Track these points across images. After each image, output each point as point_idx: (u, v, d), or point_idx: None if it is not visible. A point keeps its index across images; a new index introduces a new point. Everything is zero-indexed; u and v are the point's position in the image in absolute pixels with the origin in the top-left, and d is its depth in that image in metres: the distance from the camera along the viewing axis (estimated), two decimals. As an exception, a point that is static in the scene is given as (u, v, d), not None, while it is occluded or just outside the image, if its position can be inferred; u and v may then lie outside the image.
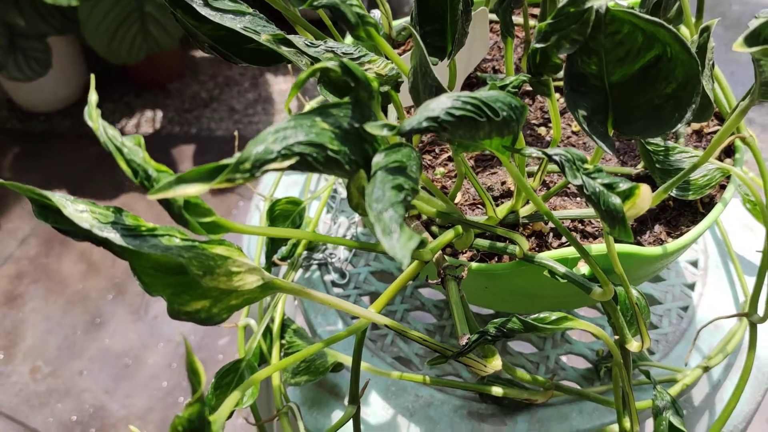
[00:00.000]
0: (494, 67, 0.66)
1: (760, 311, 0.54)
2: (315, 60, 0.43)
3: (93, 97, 0.33)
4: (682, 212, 0.54)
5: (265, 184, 0.77)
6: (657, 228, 0.54)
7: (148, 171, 0.32)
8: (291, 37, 0.42)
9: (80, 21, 1.50)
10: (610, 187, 0.36)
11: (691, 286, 0.69)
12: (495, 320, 0.42)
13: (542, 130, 0.61)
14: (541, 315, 0.44)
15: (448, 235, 0.48)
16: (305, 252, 0.71)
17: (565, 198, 0.56)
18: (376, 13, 0.64)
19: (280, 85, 1.87)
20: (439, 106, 0.33)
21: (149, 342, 1.42)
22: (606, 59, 0.40)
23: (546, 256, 0.47)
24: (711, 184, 0.52)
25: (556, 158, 0.36)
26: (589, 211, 0.52)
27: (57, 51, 1.66)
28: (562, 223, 0.53)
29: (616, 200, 0.35)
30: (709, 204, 0.54)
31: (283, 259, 0.68)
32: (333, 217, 0.75)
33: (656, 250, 0.50)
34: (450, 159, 0.60)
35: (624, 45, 0.39)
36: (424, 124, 0.32)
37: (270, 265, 0.67)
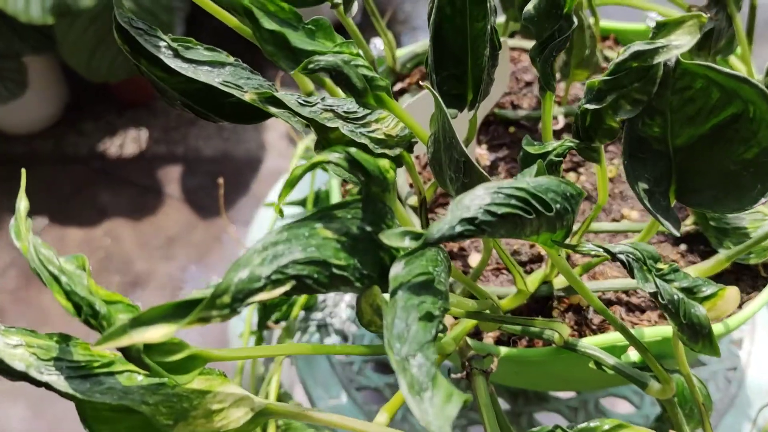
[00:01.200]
0: (513, 101, 0.58)
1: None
2: (310, 121, 0.35)
3: (22, 205, 0.25)
4: (741, 276, 0.47)
5: (254, 237, 0.69)
6: (711, 294, 0.47)
7: (94, 306, 0.25)
8: (281, 95, 0.34)
9: (57, 39, 1.42)
10: (690, 291, 0.29)
11: (739, 343, 0.61)
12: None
13: (571, 176, 0.54)
14: (592, 425, 0.36)
15: (473, 320, 0.40)
16: (302, 312, 0.63)
17: (605, 261, 0.48)
18: (378, 43, 0.56)
19: (270, 100, 1.78)
20: (475, 202, 0.25)
21: (137, 380, 1.34)
22: (672, 118, 0.32)
23: (590, 344, 0.39)
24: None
25: (622, 257, 0.28)
26: (634, 282, 0.45)
27: (34, 70, 1.57)
28: (605, 295, 0.46)
29: (701, 311, 0.28)
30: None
31: (277, 321, 0.61)
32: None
33: (716, 328, 0.42)
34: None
35: (695, 102, 0.31)
36: (459, 229, 0.24)
37: (263, 329, 0.59)
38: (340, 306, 0.64)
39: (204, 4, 0.34)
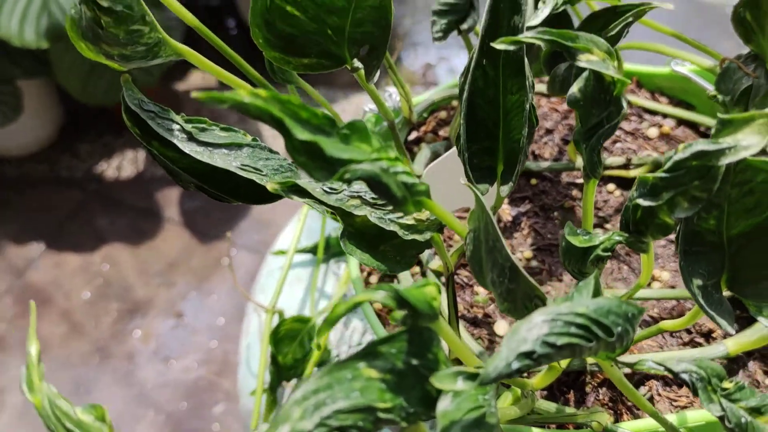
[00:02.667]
0: (534, 151, 0.56)
1: None
2: (335, 209, 0.33)
3: (33, 349, 0.23)
4: (783, 344, 0.44)
5: (262, 286, 0.67)
6: (751, 365, 0.44)
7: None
8: (305, 183, 0.31)
9: (52, 63, 1.39)
10: (758, 411, 0.26)
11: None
12: None
13: (597, 232, 0.51)
14: None
15: (507, 401, 0.38)
16: (315, 369, 0.60)
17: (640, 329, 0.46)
18: (393, 92, 0.54)
19: (269, 119, 1.76)
20: (532, 333, 0.22)
21: (138, 412, 1.31)
22: (728, 210, 0.30)
23: (631, 430, 0.37)
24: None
25: (685, 377, 0.26)
26: (676, 353, 0.42)
27: (29, 92, 1.54)
28: (644, 364, 0.43)
29: (774, 435, 0.25)
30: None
31: (289, 379, 0.58)
32: (345, 321, 0.65)
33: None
34: (490, 274, 0.49)
35: (754, 194, 0.29)
36: (516, 365, 0.22)
37: (276, 389, 0.57)
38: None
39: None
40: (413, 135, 0.57)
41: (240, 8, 1.91)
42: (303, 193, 0.31)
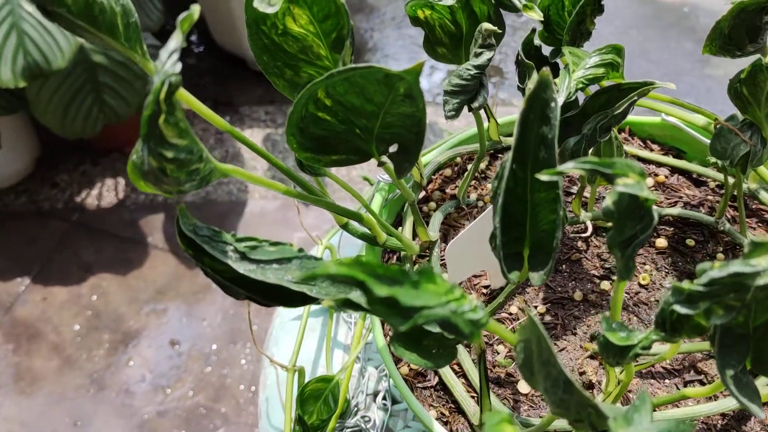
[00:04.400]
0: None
1: None
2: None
3: None
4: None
5: (275, 338, 0.68)
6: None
7: None
8: (356, 297, 0.33)
9: (29, 99, 1.38)
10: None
11: None
12: None
13: (605, 285, 0.54)
14: None
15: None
16: (338, 421, 0.62)
17: (653, 381, 0.49)
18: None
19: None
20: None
21: (138, 443, 1.31)
22: (755, 308, 0.33)
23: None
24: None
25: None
26: (696, 409, 0.45)
27: (5, 126, 1.53)
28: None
29: None
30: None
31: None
32: (361, 369, 0.67)
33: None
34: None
35: (777, 292, 0.32)
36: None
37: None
38: (372, 409, 0.63)
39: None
40: (422, 194, 0.59)
41: (209, 26, 1.91)
42: (355, 306, 0.33)
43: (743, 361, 0.34)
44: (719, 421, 0.47)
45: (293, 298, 0.36)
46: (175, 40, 0.27)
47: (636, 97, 0.44)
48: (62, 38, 1.28)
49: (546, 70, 0.34)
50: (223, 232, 0.35)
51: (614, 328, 0.34)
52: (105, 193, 1.68)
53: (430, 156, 0.59)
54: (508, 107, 1.84)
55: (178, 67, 0.27)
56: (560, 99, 0.42)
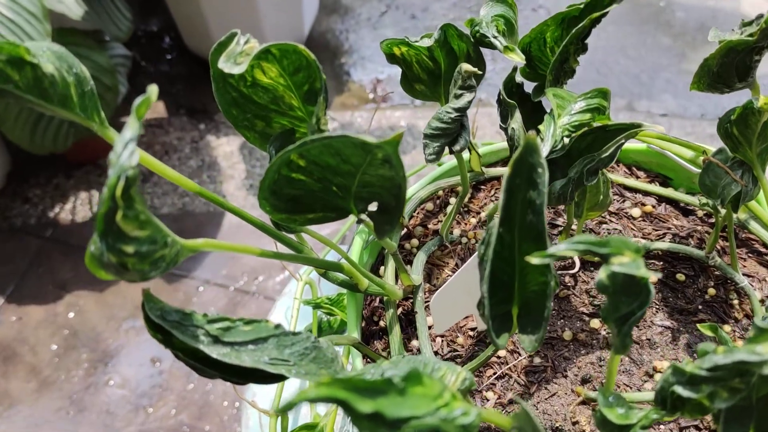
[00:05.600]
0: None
1: None
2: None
3: None
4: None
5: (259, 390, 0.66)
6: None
7: None
8: (341, 385, 0.31)
9: (-4, 117, 1.34)
10: None
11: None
12: None
13: (595, 323, 0.52)
14: None
15: None
16: (322, 466, 0.60)
17: (651, 428, 0.47)
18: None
19: (223, 147, 1.72)
20: None
21: (120, 465, 1.29)
22: (759, 383, 0.31)
23: None
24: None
25: None
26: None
27: (-28, 142, 1.48)
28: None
29: None
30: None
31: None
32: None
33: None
34: (499, 377, 0.50)
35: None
36: None
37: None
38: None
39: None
40: (404, 231, 0.57)
41: (180, 31, 1.87)
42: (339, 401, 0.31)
43: (746, 429, 0.33)
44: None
45: (272, 378, 0.34)
46: (131, 130, 0.25)
47: (623, 140, 0.43)
48: (28, 54, 1.24)
49: (532, 134, 0.32)
50: (194, 313, 0.33)
51: (611, 403, 0.32)
52: (79, 207, 1.64)
53: (411, 191, 0.57)
54: (488, 107, 1.82)
55: (135, 159, 0.25)
56: (546, 147, 0.40)
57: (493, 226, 0.34)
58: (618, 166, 0.61)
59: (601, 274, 0.31)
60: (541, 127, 0.42)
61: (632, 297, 0.30)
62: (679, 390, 0.29)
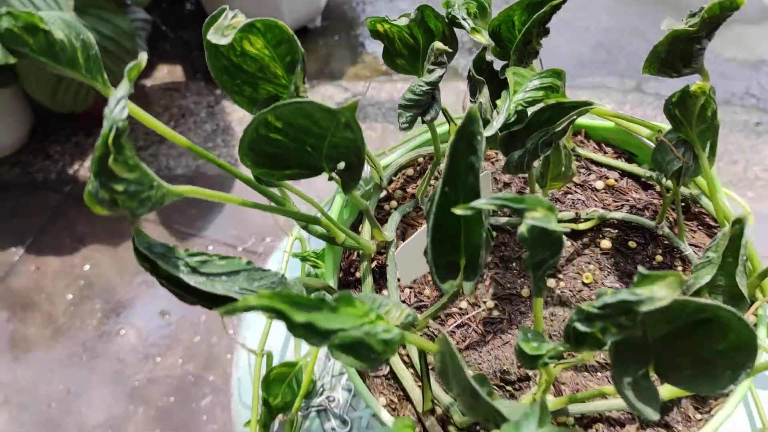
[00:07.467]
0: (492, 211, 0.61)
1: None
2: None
3: None
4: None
5: (248, 323, 0.72)
6: (684, 403, 0.51)
7: None
8: (288, 309, 0.37)
9: (20, 74, 1.40)
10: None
11: (706, 408, 0.66)
12: None
13: (551, 282, 0.57)
14: None
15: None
16: (303, 402, 0.66)
17: (586, 374, 0.52)
18: (366, 168, 0.59)
19: (237, 112, 1.78)
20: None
21: (129, 408, 1.37)
22: (651, 323, 0.36)
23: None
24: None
25: None
26: (615, 403, 0.49)
27: (-2, 99, 1.55)
28: (586, 417, 0.50)
29: None
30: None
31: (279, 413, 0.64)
32: (327, 353, 0.71)
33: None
34: (459, 326, 0.56)
35: (672, 311, 0.35)
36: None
37: (268, 427, 0.63)
38: (337, 390, 0.68)
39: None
40: (383, 194, 0.62)
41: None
42: (292, 324, 0.37)
43: (643, 369, 0.38)
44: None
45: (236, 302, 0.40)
46: (123, 89, 0.30)
47: (575, 116, 0.47)
48: (52, 15, 1.29)
49: (474, 107, 0.37)
50: (176, 248, 0.38)
51: (529, 338, 0.38)
52: (97, 165, 1.71)
53: (392, 158, 0.62)
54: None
55: (125, 113, 0.30)
56: (501, 119, 0.45)
57: (438, 184, 0.39)
58: (588, 141, 0.66)
59: (522, 228, 0.36)
60: (498, 101, 0.47)
61: (546, 247, 0.35)
62: (579, 326, 0.34)
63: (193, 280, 0.38)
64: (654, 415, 0.37)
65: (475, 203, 0.33)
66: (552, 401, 0.49)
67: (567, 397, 0.49)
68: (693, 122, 0.48)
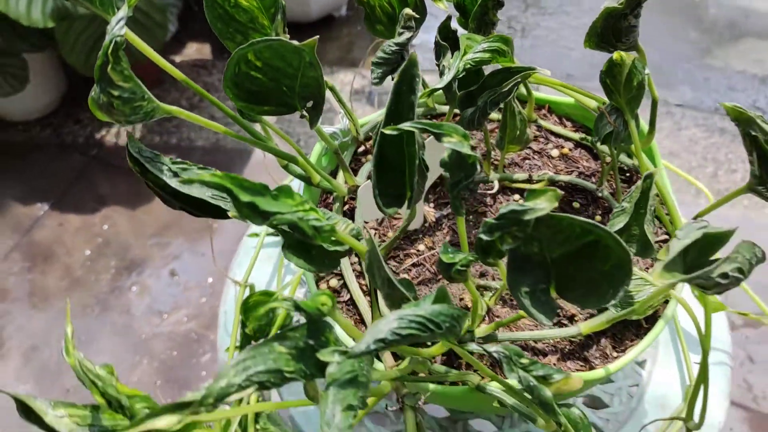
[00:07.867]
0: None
1: (696, 418, 0.58)
2: (277, 229, 0.46)
3: (69, 329, 0.36)
4: (627, 326, 0.58)
5: (239, 262, 0.80)
6: (603, 341, 0.58)
7: (121, 401, 0.36)
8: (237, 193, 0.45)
9: (57, 39, 1.50)
10: (544, 378, 0.40)
11: (642, 364, 0.73)
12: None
13: (501, 234, 0.64)
14: None
15: (404, 364, 0.51)
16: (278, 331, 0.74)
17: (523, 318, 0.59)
18: (345, 120, 0.67)
19: (259, 91, 1.87)
20: (386, 327, 0.36)
21: (134, 359, 1.46)
22: (547, 242, 0.43)
23: (497, 387, 0.51)
24: (654, 304, 0.56)
25: (496, 356, 0.40)
26: (540, 333, 0.56)
27: (34, 63, 1.65)
28: (515, 343, 0.57)
29: (547, 393, 0.39)
30: (652, 317, 0.58)
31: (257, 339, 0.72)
32: (304, 286, 0.79)
33: (599, 373, 0.54)
34: (414, 265, 0.63)
35: (563, 232, 0.42)
36: (373, 347, 0.35)
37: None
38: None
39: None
40: (362, 148, 0.70)
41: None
42: (252, 216, 0.44)
43: (541, 284, 0.45)
44: (567, 346, 0.58)
45: (213, 210, 0.48)
46: (123, 11, 0.38)
47: (519, 79, 0.55)
48: (89, -14, 1.39)
49: (414, 53, 0.44)
50: (162, 155, 0.46)
51: (448, 252, 0.45)
52: (123, 132, 1.81)
53: (372, 116, 0.70)
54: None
55: (123, 30, 0.38)
56: (450, 74, 0.53)
57: (382, 120, 0.46)
58: (551, 116, 0.73)
59: (444, 155, 0.43)
60: (450, 60, 0.55)
61: (462, 170, 0.43)
62: (482, 236, 0.41)
63: (173, 183, 0.46)
64: (547, 321, 0.44)
65: (402, 125, 0.41)
66: (482, 328, 0.56)
67: (494, 324, 0.56)
68: (621, 90, 0.54)
